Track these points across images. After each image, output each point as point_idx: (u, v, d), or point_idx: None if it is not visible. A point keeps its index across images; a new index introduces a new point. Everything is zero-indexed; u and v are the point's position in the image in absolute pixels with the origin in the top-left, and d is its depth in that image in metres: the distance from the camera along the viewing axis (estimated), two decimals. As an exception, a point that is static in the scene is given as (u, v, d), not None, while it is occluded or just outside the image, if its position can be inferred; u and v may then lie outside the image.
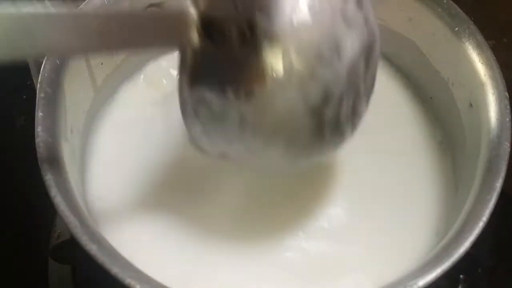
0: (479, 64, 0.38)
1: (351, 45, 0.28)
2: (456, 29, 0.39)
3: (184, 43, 0.27)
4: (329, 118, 0.29)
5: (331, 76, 0.28)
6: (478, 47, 0.38)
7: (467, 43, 0.39)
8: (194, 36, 0.27)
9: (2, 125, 0.48)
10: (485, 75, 0.37)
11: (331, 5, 0.27)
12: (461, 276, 0.41)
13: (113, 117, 0.41)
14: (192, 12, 0.27)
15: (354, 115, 0.31)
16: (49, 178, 0.31)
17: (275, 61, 0.27)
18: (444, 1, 0.40)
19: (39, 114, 0.33)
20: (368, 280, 0.35)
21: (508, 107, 0.36)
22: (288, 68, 0.27)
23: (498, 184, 0.33)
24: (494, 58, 0.38)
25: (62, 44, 0.25)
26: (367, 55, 0.29)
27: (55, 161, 0.32)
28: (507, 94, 0.37)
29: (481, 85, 0.37)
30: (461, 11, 0.40)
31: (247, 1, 0.26)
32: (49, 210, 0.31)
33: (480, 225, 0.32)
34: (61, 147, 0.33)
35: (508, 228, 0.43)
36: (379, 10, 0.44)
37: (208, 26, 0.27)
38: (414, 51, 0.43)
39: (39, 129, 0.33)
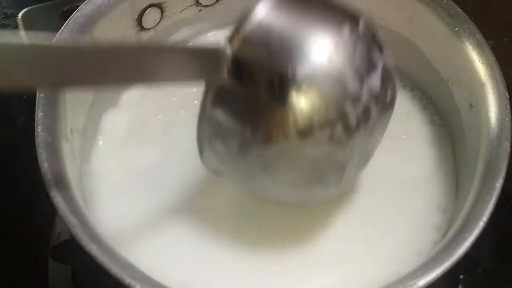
0: (479, 64, 0.38)
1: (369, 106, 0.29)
2: (456, 29, 0.39)
3: (213, 77, 0.28)
4: (347, 171, 0.30)
5: (348, 138, 0.29)
6: (478, 47, 0.38)
7: (467, 43, 0.39)
8: (224, 74, 0.28)
9: (2, 125, 0.48)
10: (485, 75, 0.37)
11: (354, 61, 0.28)
12: (461, 276, 0.41)
13: (113, 118, 0.41)
14: (227, 51, 0.28)
15: (365, 163, 0.33)
16: (49, 178, 0.31)
17: (300, 117, 0.28)
18: (444, 1, 0.40)
19: (39, 114, 0.33)
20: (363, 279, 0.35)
21: (508, 107, 0.36)
22: (309, 125, 0.28)
23: (498, 184, 0.33)
24: (494, 58, 0.38)
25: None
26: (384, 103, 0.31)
27: (55, 161, 0.32)
28: (507, 94, 0.37)
29: (481, 85, 0.37)
30: (461, 11, 0.40)
31: (281, 53, 0.27)
32: (49, 210, 0.31)
33: (480, 225, 0.32)
34: (61, 147, 0.33)
35: (508, 228, 0.43)
36: (379, 10, 0.44)
37: (239, 66, 0.27)
38: (414, 51, 0.43)
39: (39, 129, 0.33)
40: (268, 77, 0.27)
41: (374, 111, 0.30)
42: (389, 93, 0.31)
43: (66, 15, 0.49)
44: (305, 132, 0.28)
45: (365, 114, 0.29)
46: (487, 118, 0.36)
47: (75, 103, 0.37)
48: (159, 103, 0.42)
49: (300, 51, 0.28)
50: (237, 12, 0.45)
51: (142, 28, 0.43)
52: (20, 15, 0.51)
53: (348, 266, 0.36)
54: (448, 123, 0.42)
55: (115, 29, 0.40)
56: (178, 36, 0.45)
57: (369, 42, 0.30)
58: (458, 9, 0.40)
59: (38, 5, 0.52)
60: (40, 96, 0.34)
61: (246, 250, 0.36)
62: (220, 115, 0.29)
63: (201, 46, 0.29)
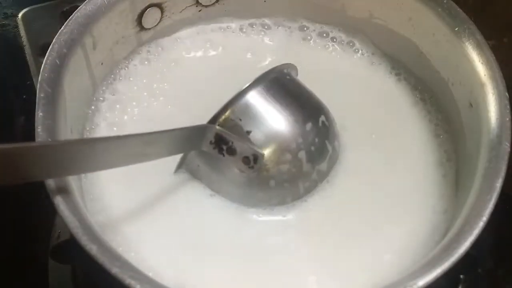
0: (479, 64, 0.38)
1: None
2: (456, 29, 0.39)
3: (198, 147, 0.36)
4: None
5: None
6: (478, 47, 0.38)
7: (467, 43, 0.39)
8: (207, 145, 0.36)
9: (2, 125, 0.48)
10: (485, 75, 0.37)
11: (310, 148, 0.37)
12: (461, 276, 0.41)
13: (113, 117, 0.41)
14: (213, 129, 0.36)
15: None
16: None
17: (266, 181, 0.37)
18: (444, 1, 0.40)
19: (39, 114, 0.33)
20: (363, 280, 0.35)
21: (508, 107, 0.36)
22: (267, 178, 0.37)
23: (498, 184, 0.33)
24: (494, 58, 0.38)
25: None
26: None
27: (55, 161, 0.32)
28: (507, 94, 0.37)
29: (481, 85, 0.37)
30: (461, 11, 0.40)
31: (257, 137, 0.36)
32: (49, 210, 0.31)
33: (480, 225, 0.32)
34: (61, 147, 0.33)
35: (508, 228, 0.43)
36: (379, 10, 0.44)
37: (221, 142, 0.36)
38: (414, 51, 0.43)
39: (39, 129, 0.33)
40: (245, 154, 0.36)
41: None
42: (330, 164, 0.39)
43: (66, 15, 0.49)
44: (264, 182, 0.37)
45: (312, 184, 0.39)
46: (487, 118, 0.36)
47: (75, 103, 0.37)
48: (159, 101, 0.42)
49: (271, 139, 0.36)
50: (237, 12, 0.46)
51: (142, 28, 0.43)
52: (20, 15, 0.52)
53: (348, 266, 0.36)
54: (448, 123, 0.42)
55: (115, 29, 0.40)
56: (178, 36, 0.45)
57: (324, 134, 0.38)
58: (458, 9, 0.40)
59: (38, 5, 0.52)
60: (40, 96, 0.34)
61: (243, 252, 0.36)
62: (200, 162, 0.38)
63: (189, 127, 0.35)
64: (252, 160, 0.36)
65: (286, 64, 0.39)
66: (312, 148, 0.37)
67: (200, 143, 0.36)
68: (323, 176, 0.39)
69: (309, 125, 0.37)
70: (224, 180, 0.37)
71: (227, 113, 0.36)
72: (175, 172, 0.38)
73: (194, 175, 0.38)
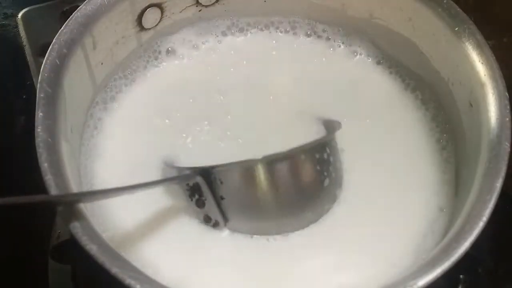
0: (479, 64, 0.38)
1: None
2: (456, 29, 0.39)
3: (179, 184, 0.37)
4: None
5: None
6: (478, 47, 0.38)
7: (467, 43, 0.39)
8: (183, 186, 0.36)
9: (2, 125, 0.48)
10: (485, 75, 0.37)
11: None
12: (461, 276, 0.41)
13: (113, 117, 0.41)
14: (195, 177, 0.36)
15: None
16: (49, 178, 0.31)
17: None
18: (444, 1, 0.40)
19: (39, 114, 0.33)
20: (363, 280, 0.35)
21: (508, 107, 0.36)
22: None
23: (498, 184, 0.33)
24: (494, 58, 0.38)
25: None
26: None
27: (55, 161, 0.32)
28: (507, 94, 0.37)
29: (481, 85, 0.37)
30: (461, 11, 0.40)
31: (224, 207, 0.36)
32: (49, 210, 0.31)
33: (480, 225, 0.32)
34: (61, 147, 0.33)
35: (508, 228, 0.43)
36: (379, 10, 0.44)
37: (196, 191, 0.36)
38: (414, 51, 0.43)
39: (39, 129, 0.33)
40: (208, 214, 0.36)
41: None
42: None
43: (66, 15, 0.49)
44: None
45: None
46: (487, 118, 0.36)
47: (75, 103, 0.37)
48: (159, 100, 0.42)
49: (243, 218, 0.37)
50: (237, 12, 0.46)
51: (142, 28, 0.43)
52: (20, 15, 0.52)
53: (347, 267, 0.36)
54: (448, 123, 0.42)
55: (115, 29, 0.40)
56: (178, 36, 0.45)
57: (333, 161, 0.38)
58: (458, 9, 0.40)
59: (38, 5, 0.52)
60: (40, 96, 0.34)
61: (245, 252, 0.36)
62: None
63: (179, 177, 0.37)
64: (213, 223, 0.36)
65: (326, 136, 0.39)
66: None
67: (180, 182, 0.37)
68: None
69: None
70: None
71: (215, 170, 0.35)
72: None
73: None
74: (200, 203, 0.36)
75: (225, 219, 0.36)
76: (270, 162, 0.35)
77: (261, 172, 0.36)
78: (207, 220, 0.37)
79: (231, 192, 0.36)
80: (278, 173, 0.36)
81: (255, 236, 0.37)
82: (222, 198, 0.36)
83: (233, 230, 0.36)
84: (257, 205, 0.37)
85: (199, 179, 0.36)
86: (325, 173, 0.37)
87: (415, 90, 0.44)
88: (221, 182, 0.36)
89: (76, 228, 0.30)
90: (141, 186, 0.34)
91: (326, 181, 0.37)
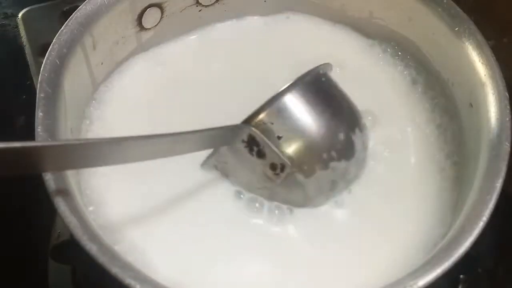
0: (479, 64, 0.38)
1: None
2: (456, 29, 0.39)
3: (230, 143, 0.36)
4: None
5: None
6: (478, 47, 0.38)
7: (467, 43, 0.39)
8: (239, 143, 0.36)
9: (2, 125, 0.48)
10: (485, 75, 0.37)
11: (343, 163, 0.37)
12: (461, 276, 0.41)
13: (113, 117, 0.41)
14: (246, 129, 0.36)
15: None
16: (49, 178, 0.31)
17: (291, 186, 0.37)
18: (444, 1, 0.40)
19: (39, 114, 0.33)
20: (363, 280, 0.35)
21: (508, 107, 0.36)
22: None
23: (498, 184, 0.33)
24: (494, 58, 0.38)
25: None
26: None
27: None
28: (507, 94, 0.37)
29: (481, 85, 0.37)
30: (461, 11, 0.40)
31: (288, 143, 0.36)
32: (49, 210, 0.31)
33: (480, 225, 0.32)
34: (61, 147, 0.33)
35: (508, 228, 0.43)
36: (379, 10, 0.44)
37: (253, 143, 0.36)
38: (414, 51, 0.43)
39: (39, 129, 0.33)
40: (272, 161, 0.36)
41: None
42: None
43: (66, 15, 0.49)
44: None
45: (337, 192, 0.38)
46: (487, 118, 0.36)
47: (75, 103, 0.37)
48: (158, 100, 0.42)
49: (302, 147, 0.36)
50: (237, 12, 0.46)
51: (142, 28, 0.43)
52: (20, 15, 0.52)
53: (348, 267, 0.36)
54: (448, 123, 0.42)
55: (115, 29, 0.41)
56: (178, 36, 0.45)
57: (356, 144, 0.38)
58: (458, 9, 0.40)
59: (38, 5, 0.52)
60: (40, 96, 0.34)
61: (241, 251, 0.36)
62: (228, 159, 0.37)
63: (224, 127, 0.36)
64: (279, 168, 0.36)
65: (322, 65, 0.38)
66: (343, 160, 0.37)
67: (232, 140, 0.36)
68: (347, 184, 0.39)
69: (342, 135, 0.37)
70: (252, 179, 0.37)
71: (260, 116, 0.36)
72: (202, 165, 0.38)
73: (221, 171, 0.38)
74: (261, 154, 0.36)
75: (290, 158, 0.36)
76: (304, 82, 0.37)
77: (298, 95, 0.36)
78: (273, 168, 0.36)
79: (284, 127, 0.36)
80: (310, 94, 0.37)
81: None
82: (279, 137, 0.36)
83: (298, 170, 0.36)
84: (310, 126, 0.37)
85: (252, 130, 0.35)
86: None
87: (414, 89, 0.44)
88: (272, 123, 0.36)
89: (76, 228, 0.30)
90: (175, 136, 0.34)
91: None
